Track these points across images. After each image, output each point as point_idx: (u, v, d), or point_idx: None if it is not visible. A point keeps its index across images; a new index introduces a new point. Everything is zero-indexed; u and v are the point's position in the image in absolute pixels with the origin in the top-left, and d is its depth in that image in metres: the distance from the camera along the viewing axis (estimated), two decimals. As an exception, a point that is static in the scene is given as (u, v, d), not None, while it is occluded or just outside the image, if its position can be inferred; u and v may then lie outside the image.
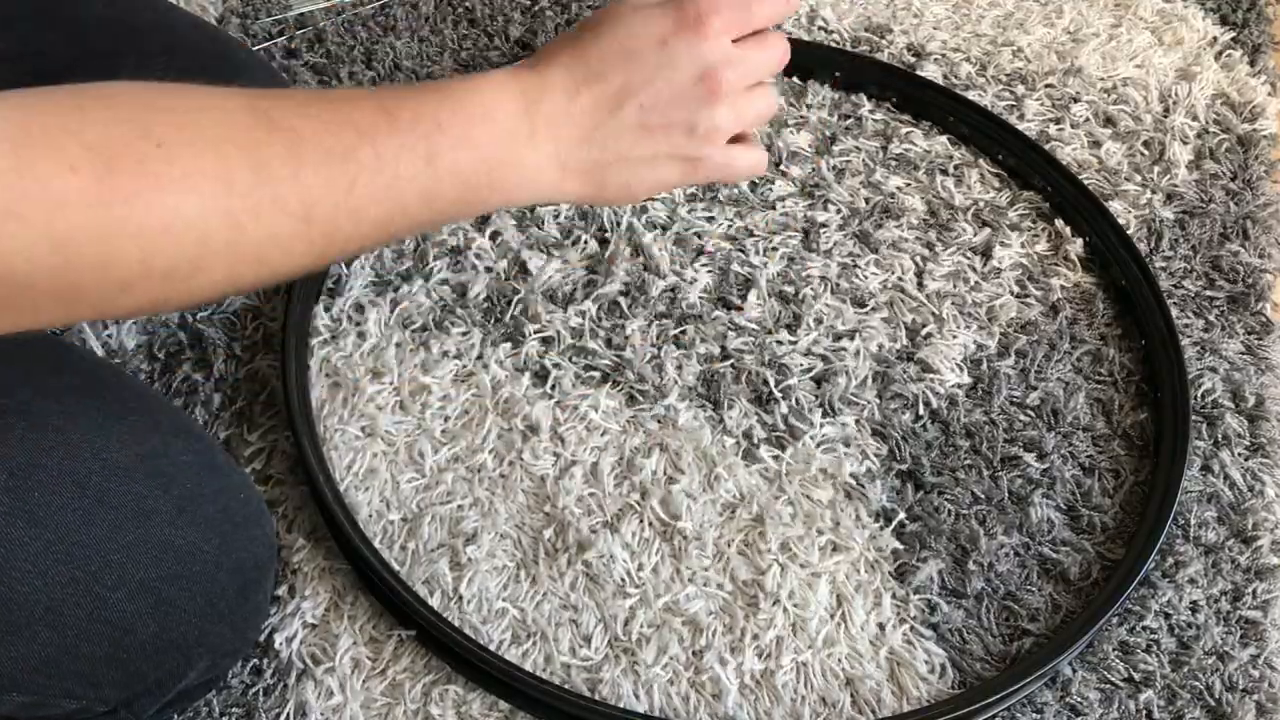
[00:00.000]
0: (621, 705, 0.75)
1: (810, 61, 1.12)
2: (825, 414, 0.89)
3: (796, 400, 0.89)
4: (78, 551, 0.59)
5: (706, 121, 0.60)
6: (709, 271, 0.97)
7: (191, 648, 0.66)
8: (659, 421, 0.88)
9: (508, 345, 0.92)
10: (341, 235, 0.54)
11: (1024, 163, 1.04)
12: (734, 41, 0.61)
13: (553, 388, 0.90)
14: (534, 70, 0.59)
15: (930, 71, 1.12)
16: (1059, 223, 1.01)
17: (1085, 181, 1.03)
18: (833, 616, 0.80)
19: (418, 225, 0.57)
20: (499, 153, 0.56)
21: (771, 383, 0.90)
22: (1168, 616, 0.80)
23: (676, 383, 0.90)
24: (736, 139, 0.65)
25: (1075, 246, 0.99)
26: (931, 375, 0.91)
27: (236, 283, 0.52)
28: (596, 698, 0.76)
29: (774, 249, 0.99)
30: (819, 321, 0.94)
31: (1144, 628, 0.80)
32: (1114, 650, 0.79)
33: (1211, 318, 0.96)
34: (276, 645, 0.77)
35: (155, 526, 0.62)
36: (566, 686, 0.76)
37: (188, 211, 0.47)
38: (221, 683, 0.75)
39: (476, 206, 0.60)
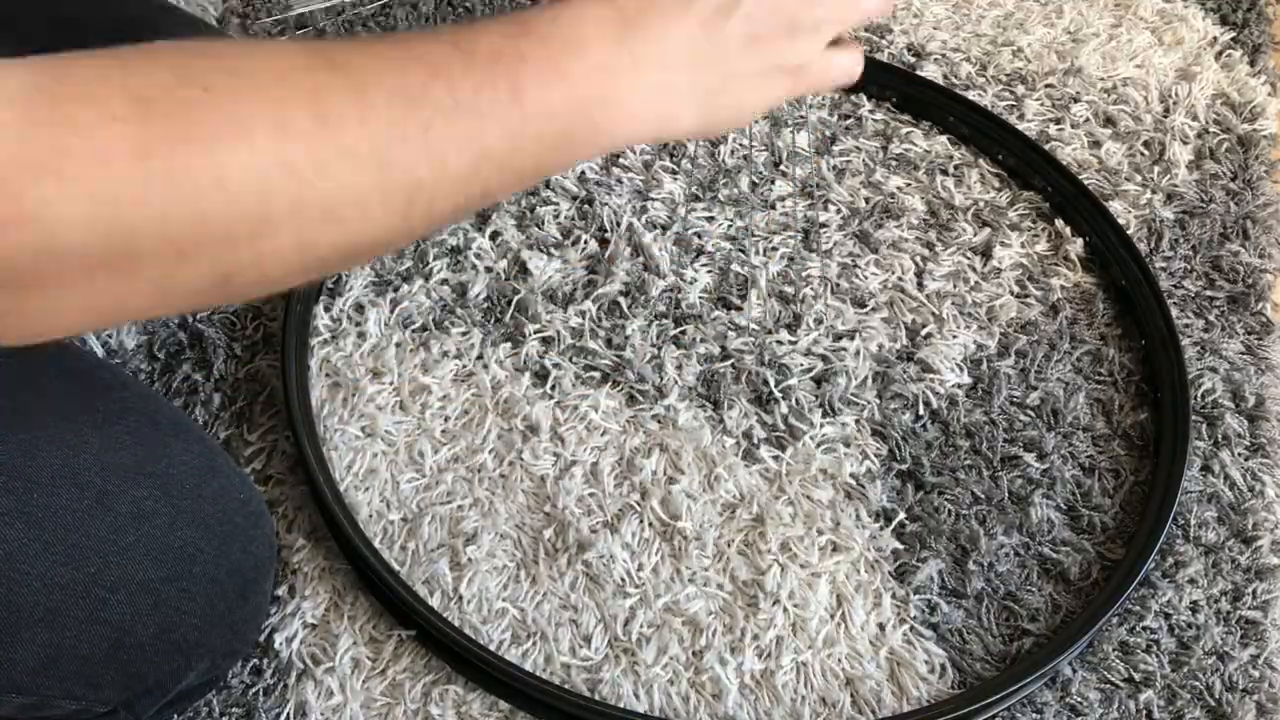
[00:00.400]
0: (621, 705, 0.75)
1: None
2: (825, 414, 0.89)
3: (796, 400, 0.89)
4: (77, 553, 0.58)
5: (809, 19, 0.55)
6: (709, 271, 0.97)
7: (191, 649, 0.66)
8: (659, 421, 0.88)
9: (508, 345, 0.92)
10: (425, 190, 0.46)
11: (1024, 163, 1.04)
12: None
13: (553, 388, 0.90)
14: None
15: (930, 71, 1.12)
16: (1059, 223, 1.01)
17: (1085, 181, 1.03)
18: (833, 616, 0.80)
19: (510, 177, 0.49)
20: (596, 87, 0.49)
21: (771, 383, 0.90)
22: (1168, 616, 0.80)
23: (676, 383, 0.90)
24: (833, 42, 0.59)
25: (1075, 246, 0.99)
26: (931, 375, 0.91)
27: (310, 249, 0.44)
28: (596, 698, 0.76)
29: (774, 249, 0.99)
30: (819, 321, 0.94)
31: (1144, 628, 0.80)
32: (1114, 650, 0.79)
33: (1212, 318, 0.96)
34: (276, 645, 0.77)
35: (154, 528, 0.62)
36: (566, 686, 0.76)
37: (241, 161, 0.41)
38: (221, 683, 0.75)
39: (578, 150, 0.51)
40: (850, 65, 0.59)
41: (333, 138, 0.43)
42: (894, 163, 1.06)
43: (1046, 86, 1.12)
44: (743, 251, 0.98)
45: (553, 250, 0.98)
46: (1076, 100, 1.10)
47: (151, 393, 0.80)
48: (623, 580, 0.81)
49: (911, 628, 0.80)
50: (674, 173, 1.03)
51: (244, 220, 0.42)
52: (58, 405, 0.61)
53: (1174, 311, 0.95)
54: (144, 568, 0.61)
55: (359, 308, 0.94)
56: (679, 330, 0.93)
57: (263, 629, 0.77)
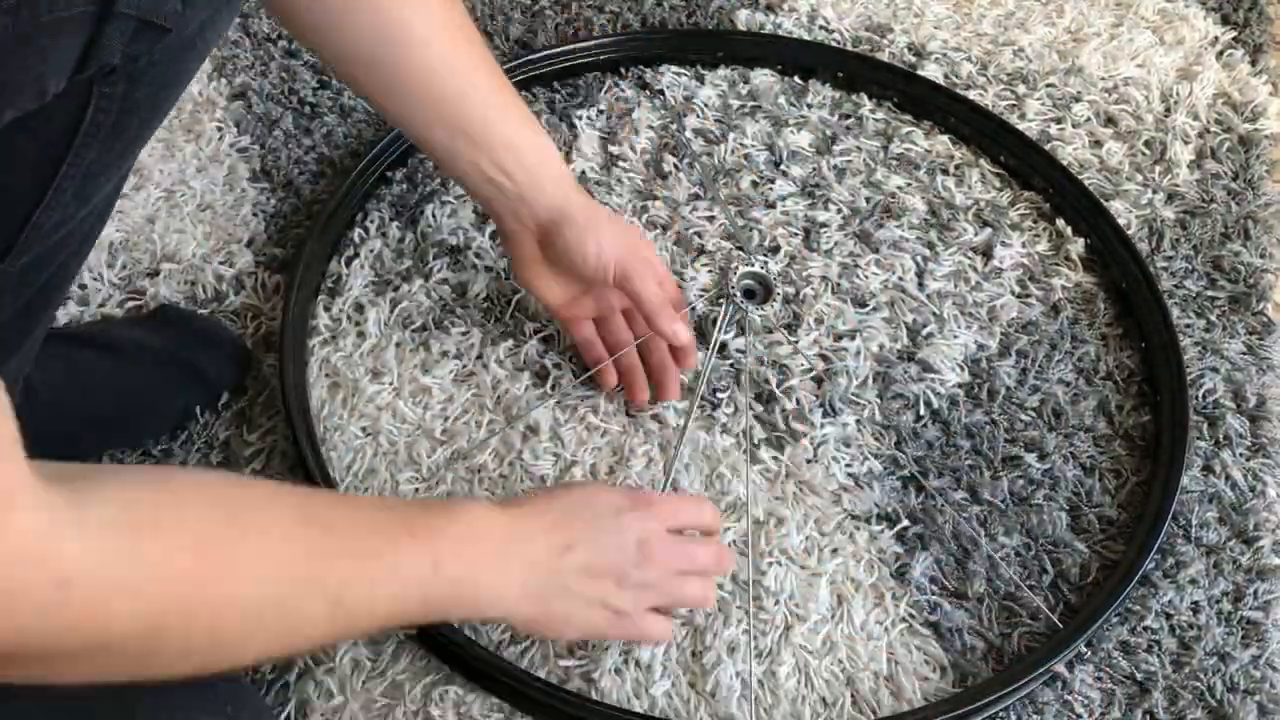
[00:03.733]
0: (621, 705, 0.75)
1: (812, 62, 1.12)
2: (826, 414, 0.89)
3: (797, 400, 0.89)
4: None
5: (637, 577, 0.72)
6: (709, 271, 0.97)
7: None
8: (659, 421, 0.88)
9: (508, 345, 0.92)
10: (357, 625, 0.64)
11: (1024, 163, 1.04)
12: (680, 534, 0.75)
13: (553, 388, 0.90)
14: (518, 510, 0.71)
15: (931, 71, 1.12)
16: (1059, 222, 1.01)
17: (1086, 181, 1.03)
18: (833, 616, 0.80)
19: (406, 620, 0.67)
20: (483, 571, 0.67)
21: (772, 382, 0.90)
22: (1169, 617, 0.80)
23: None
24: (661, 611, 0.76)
25: (1076, 246, 0.99)
26: (932, 375, 0.91)
27: (261, 655, 0.63)
28: (597, 697, 0.76)
29: (774, 249, 0.99)
30: (819, 321, 0.94)
31: (1145, 628, 0.79)
32: (1115, 650, 0.78)
33: (1213, 318, 0.96)
34: (276, 645, 0.77)
35: None
36: (568, 686, 0.76)
37: (253, 592, 0.55)
38: None
39: (453, 613, 0.72)
40: (661, 633, 0.75)
41: (314, 580, 0.58)
42: (894, 162, 1.05)
43: (1047, 86, 1.12)
44: (742, 250, 0.98)
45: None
46: (1077, 100, 1.10)
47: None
48: (623, 580, 0.80)
49: (911, 627, 0.80)
50: (675, 168, 1.03)
51: (238, 634, 0.56)
52: None
53: (1175, 311, 0.95)
54: None
55: (359, 307, 0.94)
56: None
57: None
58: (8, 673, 0.49)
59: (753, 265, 0.93)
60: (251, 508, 0.57)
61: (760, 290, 0.90)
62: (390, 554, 0.63)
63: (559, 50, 1.11)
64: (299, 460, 0.83)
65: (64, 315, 0.91)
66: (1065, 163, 1.04)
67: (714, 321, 0.91)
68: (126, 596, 0.49)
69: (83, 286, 0.93)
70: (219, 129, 1.06)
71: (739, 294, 0.90)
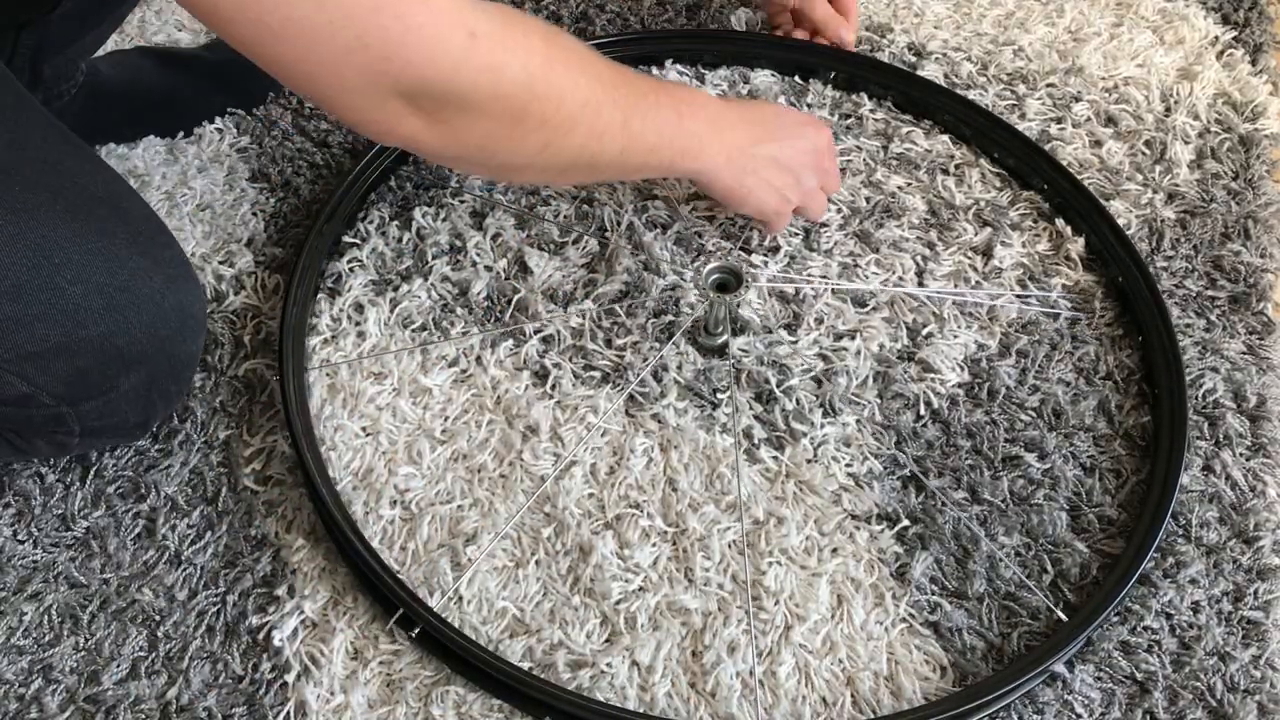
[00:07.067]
0: (621, 705, 0.75)
1: (810, 61, 1.12)
2: (826, 414, 0.89)
3: (797, 400, 0.89)
4: (45, 244, 0.70)
5: (807, 179, 0.94)
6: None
7: (132, 361, 0.76)
8: (659, 421, 0.88)
9: (508, 345, 0.92)
10: (635, 151, 0.83)
11: (1023, 163, 1.04)
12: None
13: (553, 388, 0.90)
14: (726, 100, 0.94)
15: (931, 70, 1.12)
16: (1059, 222, 1.01)
17: (1086, 181, 1.03)
18: (833, 616, 0.80)
19: (650, 157, 0.85)
20: (705, 130, 0.87)
21: (772, 382, 0.90)
22: (1169, 617, 0.80)
23: (676, 382, 0.90)
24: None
25: (1076, 246, 0.99)
26: (932, 375, 0.91)
27: (579, 152, 0.79)
28: (599, 697, 0.75)
29: (774, 249, 0.99)
30: (819, 321, 0.94)
31: (1145, 628, 0.79)
32: (1115, 650, 0.78)
33: (1213, 317, 0.95)
34: (276, 643, 0.77)
35: (115, 245, 0.74)
36: (568, 686, 0.76)
37: (577, 85, 0.76)
38: (150, 429, 0.85)
39: (681, 160, 0.86)
40: (785, 223, 0.97)
41: (611, 98, 0.79)
42: (895, 162, 1.05)
43: (1048, 86, 1.12)
44: (745, 250, 0.98)
45: (553, 249, 0.98)
46: (1078, 99, 1.10)
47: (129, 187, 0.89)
48: (623, 580, 0.80)
49: (911, 627, 0.80)
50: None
51: (567, 118, 0.76)
52: (51, 134, 0.76)
53: (1175, 311, 0.95)
54: (101, 272, 0.72)
55: (359, 308, 0.94)
56: (679, 330, 0.93)
57: (260, 642, 0.77)
58: (446, 133, 0.72)
59: (722, 260, 0.94)
60: (566, 38, 0.78)
61: (732, 280, 0.91)
62: (653, 96, 0.83)
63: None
64: (298, 462, 0.83)
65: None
66: (1065, 162, 1.04)
67: (705, 326, 0.91)
68: (514, 52, 0.71)
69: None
70: (219, 130, 1.06)
71: (711, 290, 0.90)
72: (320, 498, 0.80)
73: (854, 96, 1.10)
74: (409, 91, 0.69)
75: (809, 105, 1.09)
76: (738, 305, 0.92)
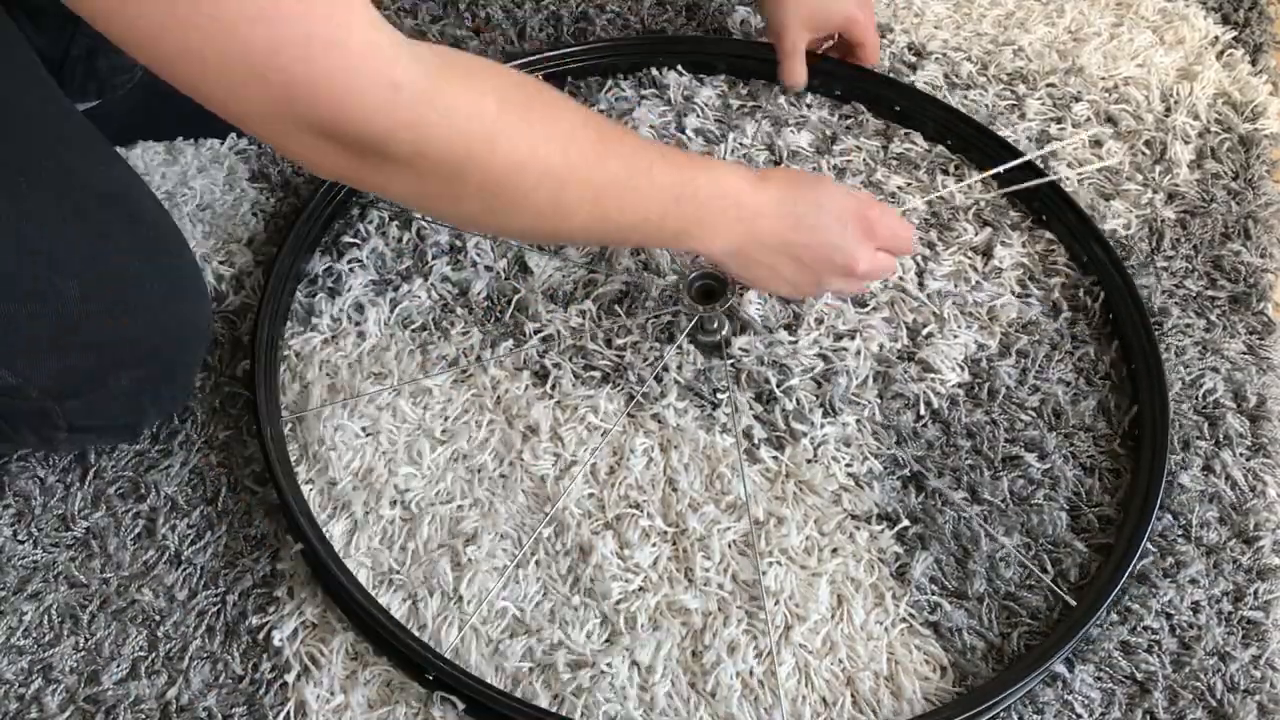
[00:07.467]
0: (621, 705, 0.75)
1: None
2: (826, 414, 0.89)
3: (797, 400, 0.89)
4: (44, 240, 0.70)
5: (831, 282, 0.86)
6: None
7: (123, 364, 0.75)
8: (659, 421, 0.88)
9: (508, 345, 0.92)
10: (604, 225, 0.75)
11: (1011, 174, 1.03)
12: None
13: (553, 388, 0.90)
14: (762, 181, 0.81)
15: (931, 70, 1.12)
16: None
17: (1086, 181, 1.03)
18: (833, 616, 0.80)
19: (633, 234, 0.79)
20: (711, 216, 0.79)
21: (772, 382, 0.90)
22: (1169, 617, 0.80)
23: (676, 382, 0.90)
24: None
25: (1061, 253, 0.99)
26: (932, 375, 0.91)
27: (528, 227, 0.74)
28: (599, 697, 0.75)
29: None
30: (819, 321, 0.94)
31: (1145, 628, 0.79)
32: (1115, 650, 0.78)
33: (1213, 318, 0.95)
34: (276, 643, 0.77)
35: (117, 249, 0.73)
36: (569, 686, 0.76)
37: (535, 155, 0.68)
38: (142, 430, 0.84)
39: (676, 240, 0.80)
40: (851, 292, 0.94)
41: (583, 174, 0.71)
42: (894, 162, 1.05)
43: (1048, 86, 1.11)
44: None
45: (553, 249, 0.97)
46: (1078, 99, 1.10)
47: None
48: (622, 580, 0.80)
49: (911, 627, 0.80)
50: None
51: (528, 181, 0.68)
52: (68, 128, 0.75)
53: (1175, 311, 0.95)
54: (97, 262, 0.71)
55: (359, 308, 0.94)
56: (679, 330, 0.93)
57: (260, 642, 0.77)
58: (373, 176, 0.65)
59: (706, 267, 0.92)
60: (548, 101, 0.70)
61: (717, 286, 0.90)
62: (647, 175, 0.74)
63: (550, 55, 1.10)
64: (266, 468, 0.82)
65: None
66: (1065, 162, 1.04)
67: (703, 324, 0.91)
68: (440, 114, 0.63)
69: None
70: (219, 129, 1.06)
71: (690, 298, 0.90)
72: (311, 546, 0.79)
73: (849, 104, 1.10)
74: (324, 131, 0.61)
75: (809, 105, 1.09)
76: (725, 310, 0.91)
